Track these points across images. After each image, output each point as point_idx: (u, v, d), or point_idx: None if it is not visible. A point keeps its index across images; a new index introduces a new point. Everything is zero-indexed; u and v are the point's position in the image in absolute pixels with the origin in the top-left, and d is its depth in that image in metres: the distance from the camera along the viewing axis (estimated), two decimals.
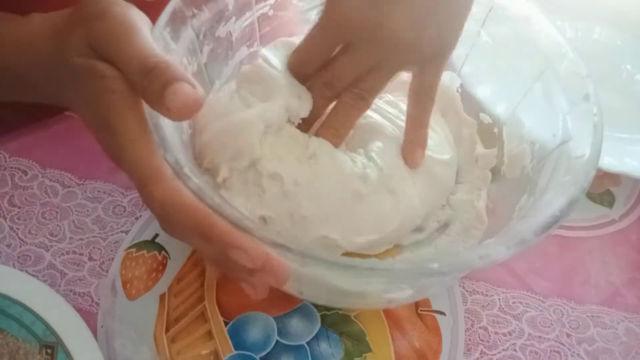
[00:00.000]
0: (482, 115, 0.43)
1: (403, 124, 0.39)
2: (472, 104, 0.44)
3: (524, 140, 0.39)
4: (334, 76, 0.36)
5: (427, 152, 0.38)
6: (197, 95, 0.27)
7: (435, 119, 0.41)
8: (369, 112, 0.39)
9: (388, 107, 0.41)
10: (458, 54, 0.43)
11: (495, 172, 0.41)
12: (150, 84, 0.27)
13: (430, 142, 0.39)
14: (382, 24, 0.34)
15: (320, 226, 0.35)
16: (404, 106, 0.40)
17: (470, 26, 0.41)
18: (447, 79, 0.44)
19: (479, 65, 0.43)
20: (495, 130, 0.42)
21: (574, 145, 0.33)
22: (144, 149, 0.28)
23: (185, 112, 0.27)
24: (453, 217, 0.40)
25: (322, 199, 0.35)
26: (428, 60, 0.36)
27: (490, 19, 0.41)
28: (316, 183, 0.35)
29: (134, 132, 0.28)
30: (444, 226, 0.41)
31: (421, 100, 0.38)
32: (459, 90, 0.44)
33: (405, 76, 0.43)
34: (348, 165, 0.36)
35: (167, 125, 0.29)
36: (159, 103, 0.27)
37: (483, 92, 0.43)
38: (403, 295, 0.35)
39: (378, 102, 0.41)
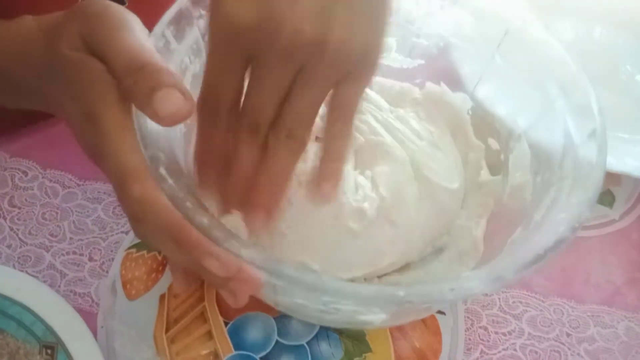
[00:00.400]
0: (490, 140, 0.42)
1: (413, 146, 0.37)
2: (481, 128, 0.43)
3: (528, 170, 0.38)
4: (254, 110, 0.28)
5: (435, 179, 0.37)
6: (188, 104, 0.26)
7: (446, 141, 0.40)
8: (379, 129, 0.38)
9: (398, 124, 0.39)
10: (471, 75, 0.42)
11: (496, 200, 0.40)
12: (137, 84, 0.27)
13: (437, 166, 0.37)
14: (279, 20, 0.26)
15: (299, 251, 0.33)
16: (415, 124, 0.39)
17: (485, 48, 0.40)
18: (459, 100, 0.43)
19: (492, 89, 0.42)
20: (502, 157, 0.41)
21: (574, 183, 0.32)
22: (128, 144, 0.27)
23: (174, 118, 0.26)
24: (449, 242, 0.39)
25: (308, 224, 0.33)
26: (349, 67, 0.28)
27: (506, 43, 0.40)
28: (309, 207, 0.33)
29: (119, 126, 0.28)
30: (439, 251, 0.39)
31: (335, 123, 0.30)
32: (470, 112, 0.43)
33: (416, 92, 0.43)
34: (348, 196, 0.34)
35: (153, 123, 0.28)
36: (145, 105, 0.26)
37: (493, 116, 0.42)
38: (377, 318, 0.33)
39: (389, 116, 0.40)
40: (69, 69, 0.29)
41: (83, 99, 0.29)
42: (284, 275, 0.25)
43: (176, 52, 0.33)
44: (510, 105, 0.41)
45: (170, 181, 0.26)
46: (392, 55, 0.44)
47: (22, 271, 0.38)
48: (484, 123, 0.42)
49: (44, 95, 0.32)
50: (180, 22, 0.33)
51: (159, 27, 0.32)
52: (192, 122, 0.36)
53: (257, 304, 0.38)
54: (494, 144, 0.42)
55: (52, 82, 0.31)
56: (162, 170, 0.26)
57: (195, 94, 0.36)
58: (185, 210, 0.25)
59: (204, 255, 0.26)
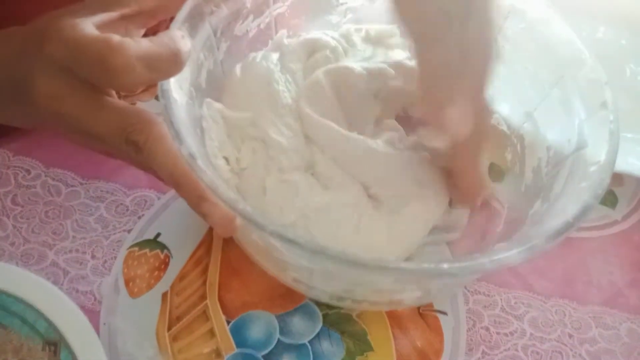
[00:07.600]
0: (496, 118, 0.42)
1: None
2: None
3: (540, 145, 0.38)
4: None
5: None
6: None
7: None
8: None
9: None
10: None
11: (509, 176, 0.41)
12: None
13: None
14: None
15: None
16: None
17: None
18: None
19: (497, 70, 0.42)
20: (514, 139, 0.41)
21: (590, 152, 0.33)
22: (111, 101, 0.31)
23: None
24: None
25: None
26: None
27: (508, 24, 0.40)
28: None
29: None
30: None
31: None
32: None
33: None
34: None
35: (182, 119, 0.30)
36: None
37: (500, 96, 0.43)
38: (413, 296, 0.35)
39: None
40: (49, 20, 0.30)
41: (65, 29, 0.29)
42: (329, 255, 0.26)
43: (192, 49, 0.34)
44: (517, 86, 0.42)
45: (209, 173, 0.28)
46: (393, 41, 0.44)
47: (25, 269, 0.38)
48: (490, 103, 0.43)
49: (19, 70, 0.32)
50: (194, 19, 0.34)
51: (175, 24, 0.33)
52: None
53: (259, 303, 0.39)
54: (500, 122, 0.42)
55: (28, 48, 0.31)
56: (200, 163, 0.28)
57: (210, 89, 0.38)
58: (229, 199, 0.27)
59: (201, 201, 0.31)
